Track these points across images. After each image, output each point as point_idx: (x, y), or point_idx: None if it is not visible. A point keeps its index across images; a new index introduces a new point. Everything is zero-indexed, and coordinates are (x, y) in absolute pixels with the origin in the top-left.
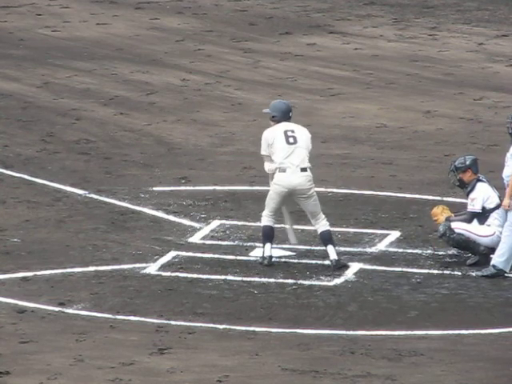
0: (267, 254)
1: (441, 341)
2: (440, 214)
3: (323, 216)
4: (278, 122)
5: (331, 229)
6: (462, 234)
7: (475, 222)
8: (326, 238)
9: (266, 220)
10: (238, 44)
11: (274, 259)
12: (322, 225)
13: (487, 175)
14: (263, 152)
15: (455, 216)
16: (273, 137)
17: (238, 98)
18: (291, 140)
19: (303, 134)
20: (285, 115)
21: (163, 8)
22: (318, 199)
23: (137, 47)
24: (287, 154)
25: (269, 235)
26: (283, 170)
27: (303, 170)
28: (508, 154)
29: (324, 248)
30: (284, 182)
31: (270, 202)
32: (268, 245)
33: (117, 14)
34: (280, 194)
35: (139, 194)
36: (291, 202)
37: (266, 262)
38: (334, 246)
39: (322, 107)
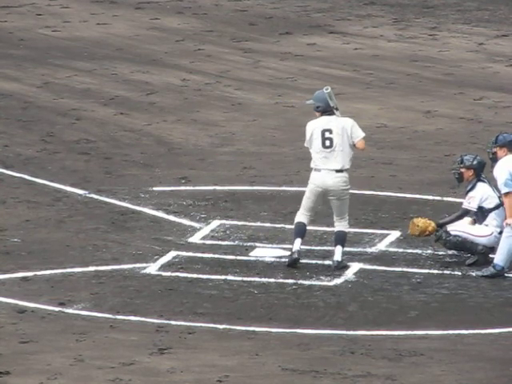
0: (296, 248)
1: (441, 341)
2: (426, 228)
3: (347, 218)
4: (323, 112)
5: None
6: (459, 236)
7: (467, 219)
8: (339, 238)
9: (299, 217)
10: (238, 44)
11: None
12: (341, 225)
13: (487, 176)
14: (306, 144)
15: (445, 218)
16: (311, 133)
17: (238, 98)
18: (327, 143)
19: (340, 135)
20: (329, 105)
21: (163, 8)
22: None
23: (137, 47)
24: (322, 157)
25: (300, 231)
26: (318, 171)
27: (339, 171)
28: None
29: (325, 248)
30: (318, 181)
31: (306, 201)
32: (298, 240)
33: (117, 14)
34: (315, 193)
35: (139, 194)
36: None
37: (294, 256)
38: (343, 248)
39: None
